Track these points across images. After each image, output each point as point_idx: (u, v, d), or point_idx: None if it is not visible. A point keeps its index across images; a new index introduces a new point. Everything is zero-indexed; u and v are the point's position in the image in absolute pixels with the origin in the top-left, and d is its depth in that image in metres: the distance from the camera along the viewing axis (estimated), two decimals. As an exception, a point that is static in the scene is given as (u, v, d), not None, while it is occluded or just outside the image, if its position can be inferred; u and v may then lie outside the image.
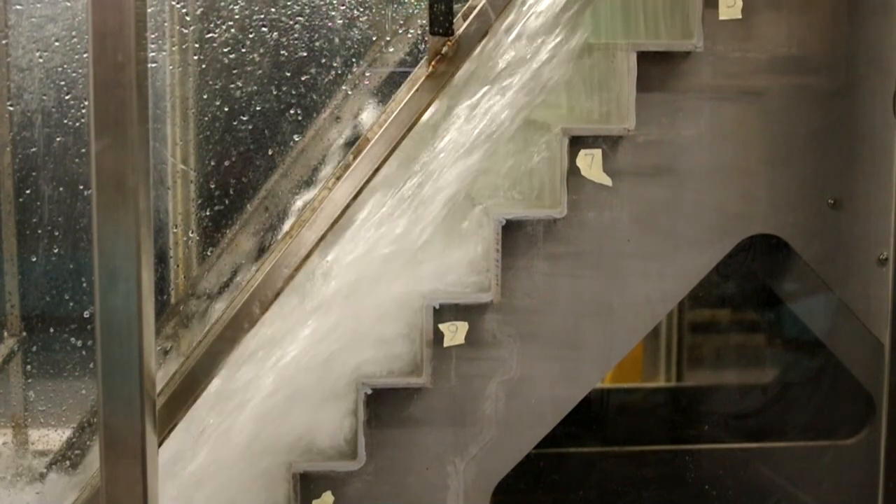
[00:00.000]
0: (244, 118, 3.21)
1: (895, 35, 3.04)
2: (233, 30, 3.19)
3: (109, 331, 2.17)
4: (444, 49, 2.98)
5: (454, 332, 2.97)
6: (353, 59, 3.23)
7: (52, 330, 3.22)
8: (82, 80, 3.12)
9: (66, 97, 3.15)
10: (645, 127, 3.00)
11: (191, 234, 3.27)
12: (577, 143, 2.97)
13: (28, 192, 3.18)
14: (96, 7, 2.10)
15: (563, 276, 3.02)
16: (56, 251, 3.19)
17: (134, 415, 2.18)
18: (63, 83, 3.14)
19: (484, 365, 3.02)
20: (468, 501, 3.04)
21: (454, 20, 2.96)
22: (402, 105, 2.99)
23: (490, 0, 2.99)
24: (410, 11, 3.27)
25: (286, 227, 3.12)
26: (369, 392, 2.93)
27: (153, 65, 3.18)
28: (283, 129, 3.23)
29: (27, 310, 3.22)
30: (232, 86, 3.20)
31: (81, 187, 3.16)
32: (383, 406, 2.98)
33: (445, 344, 2.97)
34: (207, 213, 3.25)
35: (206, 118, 3.22)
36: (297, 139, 3.24)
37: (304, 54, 3.21)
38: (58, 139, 3.15)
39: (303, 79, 3.22)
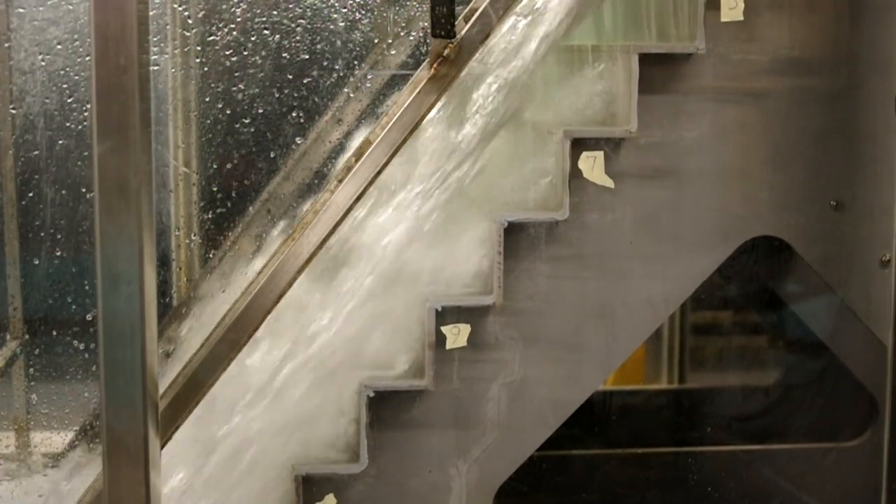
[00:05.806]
0: (246, 121, 3.21)
1: (897, 36, 3.05)
2: (235, 32, 3.19)
3: (112, 333, 2.17)
4: (446, 51, 2.98)
5: (456, 335, 2.97)
6: (356, 62, 3.23)
7: (54, 333, 3.22)
8: (84, 83, 3.12)
9: (69, 100, 3.15)
10: (647, 129, 3.00)
11: (193, 237, 3.27)
12: (579, 145, 2.97)
13: (31, 194, 3.18)
14: (98, 10, 2.10)
15: (566, 279, 3.02)
16: (58, 254, 3.19)
17: (137, 417, 2.18)
18: (65, 86, 3.14)
19: (486, 367, 3.02)
20: (471, 504, 3.04)
21: (456, 22, 2.96)
22: (404, 107, 2.99)
23: (491, 2, 2.99)
24: (412, 14, 3.27)
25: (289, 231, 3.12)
26: (371, 395, 2.93)
27: (155, 68, 3.18)
28: (285, 132, 3.23)
29: (29, 312, 3.22)
30: (234, 88, 3.20)
31: (84, 190, 3.16)
32: (386, 409, 2.98)
33: (448, 346, 2.97)
34: (209, 216, 3.25)
35: (209, 121, 3.22)
36: (299, 142, 3.24)
37: (306, 57, 3.21)
38: (60, 142, 3.15)
39: (305, 81, 3.22)
